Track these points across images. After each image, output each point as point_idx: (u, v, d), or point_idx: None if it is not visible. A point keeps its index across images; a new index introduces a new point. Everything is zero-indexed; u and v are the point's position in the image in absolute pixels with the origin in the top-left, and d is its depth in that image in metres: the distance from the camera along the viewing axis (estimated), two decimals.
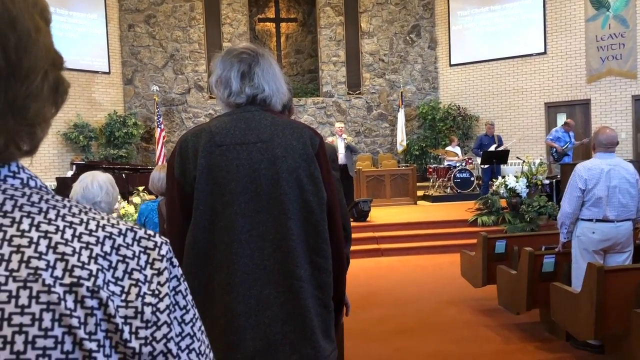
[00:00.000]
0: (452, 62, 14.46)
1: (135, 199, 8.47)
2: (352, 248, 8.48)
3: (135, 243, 0.64)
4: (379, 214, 9.98)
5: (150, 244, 0.65)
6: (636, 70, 11.95)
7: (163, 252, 0.66)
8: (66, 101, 0.70)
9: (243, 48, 1.67)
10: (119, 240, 0.63)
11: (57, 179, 10.26)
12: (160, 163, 12.37)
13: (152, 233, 0.67)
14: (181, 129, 13.85)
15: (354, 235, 8.60)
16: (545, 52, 13.16)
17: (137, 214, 7.69)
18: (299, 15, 15.30)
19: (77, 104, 12.70)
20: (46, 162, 12.14)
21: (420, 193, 12.23)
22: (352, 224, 9.21)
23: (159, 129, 13.04)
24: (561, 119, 12.74)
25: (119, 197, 8.50)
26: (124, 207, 8.15)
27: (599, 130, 4.38)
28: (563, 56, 12.92)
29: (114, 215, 7.78)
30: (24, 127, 0.60)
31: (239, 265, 1.54)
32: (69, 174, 10.89)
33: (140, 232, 0.66)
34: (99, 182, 2.48)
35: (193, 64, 13.95)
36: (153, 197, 5.39)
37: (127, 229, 0.65)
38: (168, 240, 0.68)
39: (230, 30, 14.09)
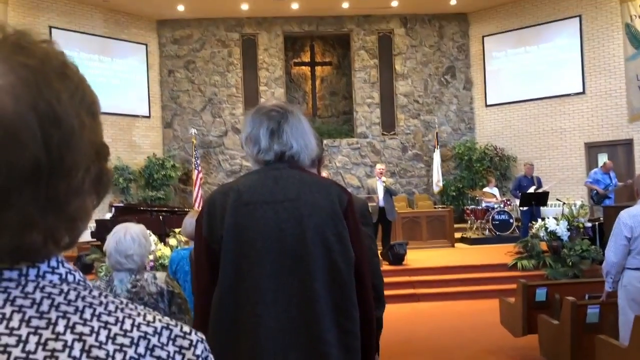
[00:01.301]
0: (488, 103, 14.36)
1: (172, 241, 8.55)
2: (388, 293, 8.29)
3: (171, 342, 0.63)
4: (415, 257, 9.80)
5: (186, 343, 0.64)
6: None
7: (198, 351, 0.64)
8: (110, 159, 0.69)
9: (272, 106, 1.68)
10: (154, 341, 0.62)
11: (97, 221, 10.47)
12: (196, 206, 12.54)
13: (188, 330, 0.65)
14: (218, 170, 14.06)
15: (389, 280, 8.44)
16: (584, 92, 12.96)
17: (170, 260, 7.73)
18: (334, 58, 15.54)
19: (118, 147, 13.06)
20: None
21: (457, 235, 12.01)
22: (388, 267, 9.09)
23: (196, 171, 13.27)
24: (602, 159, 12.42)
25: (156, 239, 8.56)
26: (160, 250, 8.24)
27: None
28: (603, 96, 12.70)
29: (151, 257, 7.83)
30: (64, 222, 0.60)
31: (264, 327, 1.50)
32: (108, 216, 11.11)
33: (176, 330, 0.64)
34: (131, 234, 2.54)
35: (230, 107, 14.25)
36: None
37: (162, 327, 0.63)
38: (204, 337, 0.66)
39: (266, 75, 14.40)
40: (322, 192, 1.60)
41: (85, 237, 11.46)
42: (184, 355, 0.63)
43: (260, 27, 14.38)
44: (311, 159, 1.72)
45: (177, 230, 8.65)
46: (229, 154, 14.23)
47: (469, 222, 12.39)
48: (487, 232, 11.90)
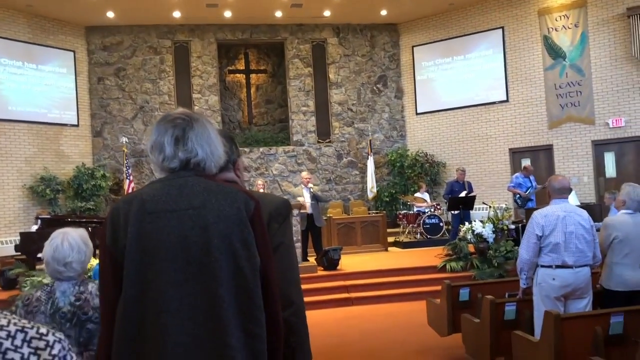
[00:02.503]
0: (419, 111, 14.80)
1: None
2: (323, 298, 8.36)
3: (25, 344, 0.63)
4: (350, 262, 9.96)
5: (42, 344, 0.65)
6: (594, 116, 12.39)
7: (55, 351, 0.65)
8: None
9: (178, 113, 1.69)
10: (7, 344, 0.62)
11: (21, 233, 10.03)
12: None
13: (44, 331, 0.65)
14: (150, 179, 13.72)
15: (324, 285, 8.51)
16: (507, 100, 13.59)
17: (93, 271, 7.51)
18: (269, 66, 15.59)
19: (45, 157, 12.59)
20: (11, 216, 11.90)
21: (391, 239, 12.29)
22: (323, 272, 9.19)
23: (128, 181, 12.95)
24: (525, 164, 13.04)
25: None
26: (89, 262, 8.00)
27: (551, 178, 4.51)
28: (525, 104, 13.35)
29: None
30: None
31: (169, 335, 1.50)
32: (34, 228, 10.66)
33: (32, 332, 0.65)
34: (69, 241, 2.41)
35: None
36: None
37: (17, 330, 0.64)
38: (62, 338, 0.66)
39: (200, 82, 14.26)
40: (227, 200, 1.62)
41: (9, 251, 10.95)
42: (39, 355, 0.64)
43: (192, 34, 14.25)
44: (218, 166, 1.73)
45: None
46: None
47: (402, 226, 12.70)
48: (418, 236, 12.24)
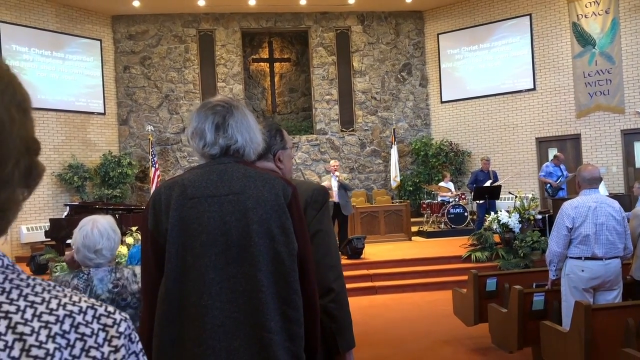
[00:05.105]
0: (444, 99, 14.66)
1: (129, 240, 8.44)
2: (347, 286, 8.37)
3: (95, 320, 0.67)
4: (374, 251, 9.96)
5: (110, 321, 0.68)
6: (624, 105, 12.13)
7: (121, 329, 0.68)
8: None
9: (218, 101, 1.72)
10: (79, 319, 0.66)
11: (51, 220, 10.26)
12: None
13: (112, 310, 0.69)
14: (176, 167, 13.92)
15: (347, 273, 8.50)
16: (534, 88, 13.37)
17: (129, 255, 7.63)
18: (292, 55, 15.57)
19: (72, 144, 12.79)
20: (40, 203, 12.14)
21: (414, 229, 12.25)
22: (346, 261, 9.20)
23: (153, 169, 13.11)
24: (552, 153, 12.85)
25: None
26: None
27: (581, 167, 4.43)
28: (552, 92, 13.13)
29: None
30: None
31: (209, 317, 1.55)
32: (63, 214, 10.88)
33: (101, 310, 0.68)
34: (98, 228, 2.44)
35: (188, 104, 14.12)
36: None
37: (87, 307, 0.67)
38: (127, 317, 0.70)
39: (224, 71, 14.32)
40: (266, 186, 1.65)
41: (39, 237, 11.21)
42: (107, 332, 0.67)
43: (217, 23, 14.30)
44: (257, 152, 1.77)
45: (133, 228, 8.53)
46: (186, 151, 14.09)
47: (426, 216, 12.64)
48: (442, 226, 12.17)
